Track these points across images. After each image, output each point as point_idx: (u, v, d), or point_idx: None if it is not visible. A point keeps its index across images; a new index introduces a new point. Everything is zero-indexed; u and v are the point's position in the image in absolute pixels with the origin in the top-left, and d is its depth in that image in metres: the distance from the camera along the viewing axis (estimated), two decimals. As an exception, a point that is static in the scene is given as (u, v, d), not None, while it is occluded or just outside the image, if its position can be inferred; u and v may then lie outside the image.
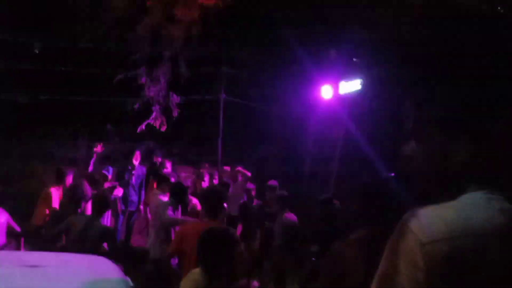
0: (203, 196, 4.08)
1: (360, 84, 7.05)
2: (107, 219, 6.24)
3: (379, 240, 2.31)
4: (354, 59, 7.38)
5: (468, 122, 1.08)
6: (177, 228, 4.64)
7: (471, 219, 0.98)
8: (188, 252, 3.61)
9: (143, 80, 8.77)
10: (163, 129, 9.03)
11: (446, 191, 1.11)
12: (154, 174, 6.93)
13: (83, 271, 2.92)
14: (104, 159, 7.40)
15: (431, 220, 0.99)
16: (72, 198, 4.64)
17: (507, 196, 1.02)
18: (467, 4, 4.63)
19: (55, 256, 3.38)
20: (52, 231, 4.55)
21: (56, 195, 6.01)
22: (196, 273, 3.00)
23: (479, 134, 1.07)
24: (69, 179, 6.34)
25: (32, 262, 2.90)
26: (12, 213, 5.09)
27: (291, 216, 5.42)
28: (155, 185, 6.68)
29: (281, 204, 5.42)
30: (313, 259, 3.48)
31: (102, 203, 4.52)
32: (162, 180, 5.78)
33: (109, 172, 6.65)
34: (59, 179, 6.16)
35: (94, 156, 6.64)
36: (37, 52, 8.79)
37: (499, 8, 4.50)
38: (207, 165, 7.72)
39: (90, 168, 6.52)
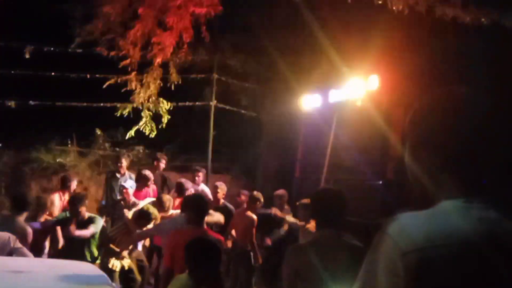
0: (186, 203, 4.05)
1: (350, 92, 7.10)
2: None
3: (328, 243, 2.59)
4: (344, 68, 7.44)
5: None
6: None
7: (451, 228, 0.96)
8: (180, 261, 3.62)
9: (133, 86, 8.75)
10: (153, 135, 9.00)
11: (425, 197, 1.10)
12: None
13: (69, 277, 2.91)
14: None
15: (411, 229, 0.97)
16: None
17: (489, 203, 0.98)
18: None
19: (40, 262, 3.36)
20: None
21: (59, 201, 6.11)
22: (182, 278, 3.05)
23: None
24: (73, 185, 6.44)
25: (17, 268, 2.88)
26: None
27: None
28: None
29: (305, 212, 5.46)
30: None
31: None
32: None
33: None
34: (64, 186, 6.28)
35: None
36: (27, 57, 8.74)
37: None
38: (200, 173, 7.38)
39: None
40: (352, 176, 7.43)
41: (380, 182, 6.81)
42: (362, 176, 7.12)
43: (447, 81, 4.92)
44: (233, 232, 6.24)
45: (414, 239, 0.95)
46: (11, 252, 3.44)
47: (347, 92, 6.99)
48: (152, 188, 7.00)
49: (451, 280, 0.93)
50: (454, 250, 0.94)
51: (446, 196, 1.03)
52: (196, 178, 7.26)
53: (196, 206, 3.85)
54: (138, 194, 6.51)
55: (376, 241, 1.01)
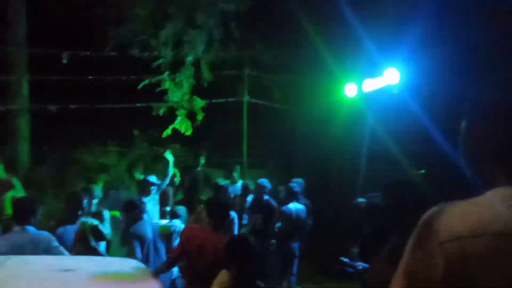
0: (209, 207, 4.14)
1: (386, 81, 6.95)
2: None
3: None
4: (380, 56, 7.28)
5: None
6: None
7: (495, 217, 0.93)
8: (193, 254, 3.72)
9: (166, 85, 8.91)
10: (189, 133, 9.15)
11: (474, 185, 1.07)
12: None
13: (116, 275, 2.99)
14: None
15: (452, 218, 0.95)
16: None
17: None
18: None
19: (88, 260, 3.48)
20: None
21: None
22: (224, 274, 3.16)
23: None
24: None
25: (66, 266, 2.99)
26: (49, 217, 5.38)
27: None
28: None
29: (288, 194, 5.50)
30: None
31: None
32: None
33: None
34: None
35: None
36: (65, 62, 9.04)
37: None
38: None
39: None
40: (391, 167, 7.29)
41: (421, 172, 6.66)
42: (401, 166, 6.98)
43: (486, 69, 4.73)
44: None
45: (453, 228, 0.94)
46: (47, 250, 3.57)
47: (383, 81, 6.85)
48: None
49: (490, 271, 0.90)
50: (495, 240, 0.90)
51: (495, 185, 1.01)
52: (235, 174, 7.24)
53: (217, 210, 3.97)
54: None
55: (416, 230, 1.00)
